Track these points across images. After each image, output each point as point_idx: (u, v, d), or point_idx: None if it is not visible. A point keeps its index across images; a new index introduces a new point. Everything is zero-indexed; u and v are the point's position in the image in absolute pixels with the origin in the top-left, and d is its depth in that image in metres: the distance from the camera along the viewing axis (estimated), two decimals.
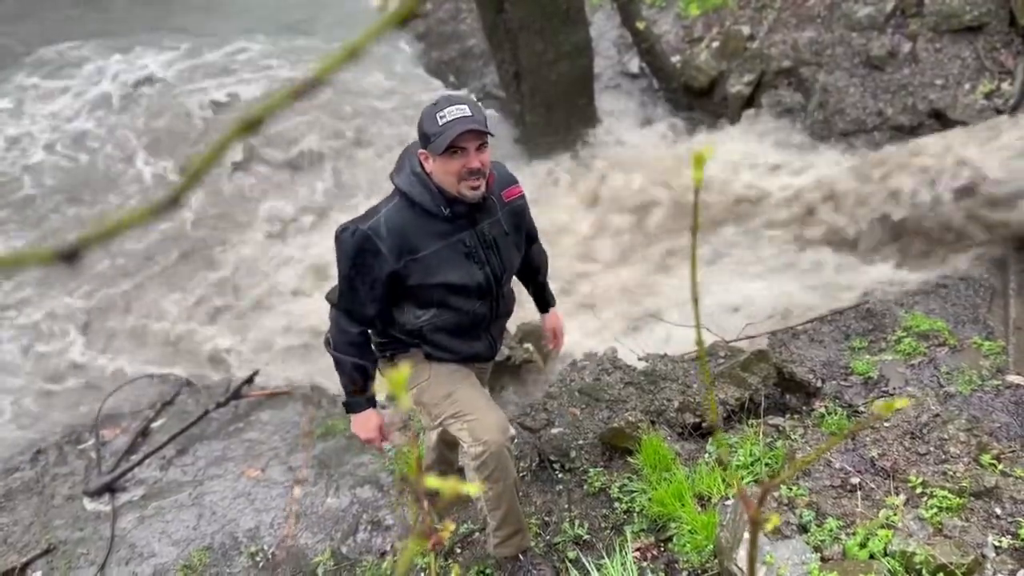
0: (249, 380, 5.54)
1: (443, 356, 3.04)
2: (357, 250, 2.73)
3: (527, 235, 3.19)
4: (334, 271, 2.85)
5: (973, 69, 6.66)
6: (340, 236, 2.79)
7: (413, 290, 2.83)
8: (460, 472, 3.94)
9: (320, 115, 8.81)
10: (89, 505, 4.67)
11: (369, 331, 2.94)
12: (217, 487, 4.62)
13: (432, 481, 0.52)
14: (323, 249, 6.97)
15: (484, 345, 3.15)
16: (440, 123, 2.61)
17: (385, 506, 4.24)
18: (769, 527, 2.28)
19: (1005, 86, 6.47)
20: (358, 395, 2.96)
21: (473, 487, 0.54)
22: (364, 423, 2.99)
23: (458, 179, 2.68)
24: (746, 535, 2.77)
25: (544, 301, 3.48)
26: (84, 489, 4.76)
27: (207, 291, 7.05)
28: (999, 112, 6.35)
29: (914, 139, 6.43)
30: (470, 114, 2.62)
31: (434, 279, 2.80)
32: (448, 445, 3.70)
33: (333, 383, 5.84)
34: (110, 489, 4.70)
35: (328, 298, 2.95)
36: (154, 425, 5.33)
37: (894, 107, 6.88)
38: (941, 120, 6.65)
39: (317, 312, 6.54)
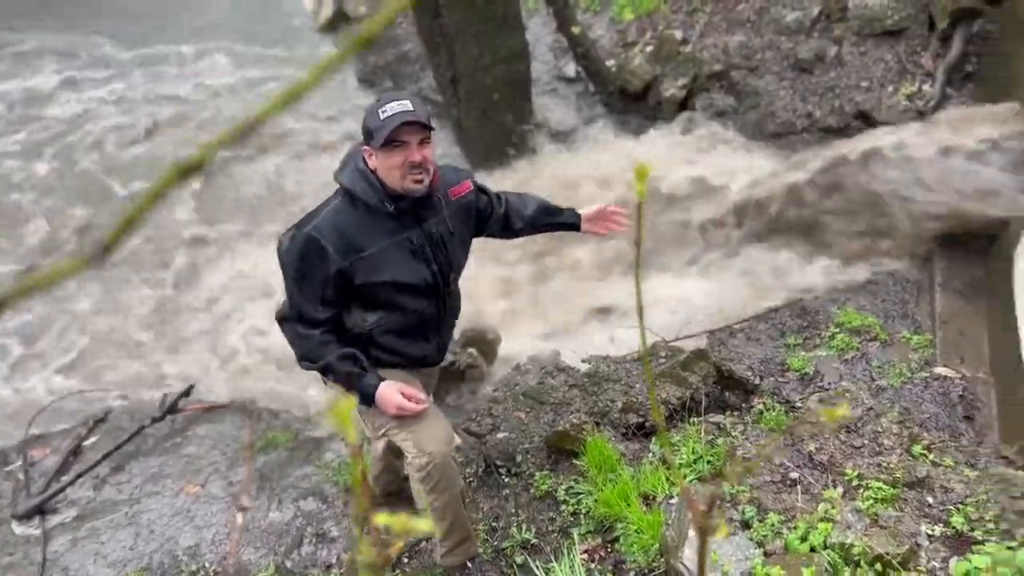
0: (186, 393, 5.39)
1: (392, 360, 3.01)
2: (303, 254, 2.69)
3: (496, 201, 3.17)
4: (271, 280, 2.79)
5: (896, 71, 6.90)
6: (283, 244, 2.74)
7: (360, 290, 2.79)
8: (406, 480, 3.91)
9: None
10: (18, 529, 4.48)
11: (329, 327, 2.86)
12: (155, 505, 4.49)
13: (382, 518, 0.51)
14: (255, 259, 6.84)
15: (433, 347, 3.13)
16: (382, 117, 2.61)
17: (330, 518, 4.18)
18: (720, 535, 2.32)
19: (926, 88, 6.72)
20: (365, 379, 2.83)
21: (426, 523, 0.54)
22: (388, 398, 2.82)
23: (401, 174, 2.68)
24: (691, 533, 2.81)
25: (572, 218, 3.37)
26: (12, 513, 4.57)
27: (141, 304, 6.86)
28: (921, 113, 6.59)
29: (841, 140, 6.62)
30: (411, 108, 2.63)
31: (380, 277, 2.78)
32: (395, 453, 3.66)
33: (273, 395, 5.75)
34: (40, 511, 4.52)
35: (278, 315, 2.87)
36: (86, 443, 5.15)
37: (822, 109, 7.08)
38: (867, 121, 6.86)
39: (255, 323, 6.41)
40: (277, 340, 3.64)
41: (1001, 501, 2.74)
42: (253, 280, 6.81)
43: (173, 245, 7.45)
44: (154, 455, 4.95)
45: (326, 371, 2.86)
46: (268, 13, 10.83)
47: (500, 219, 3.22)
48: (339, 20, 10.41)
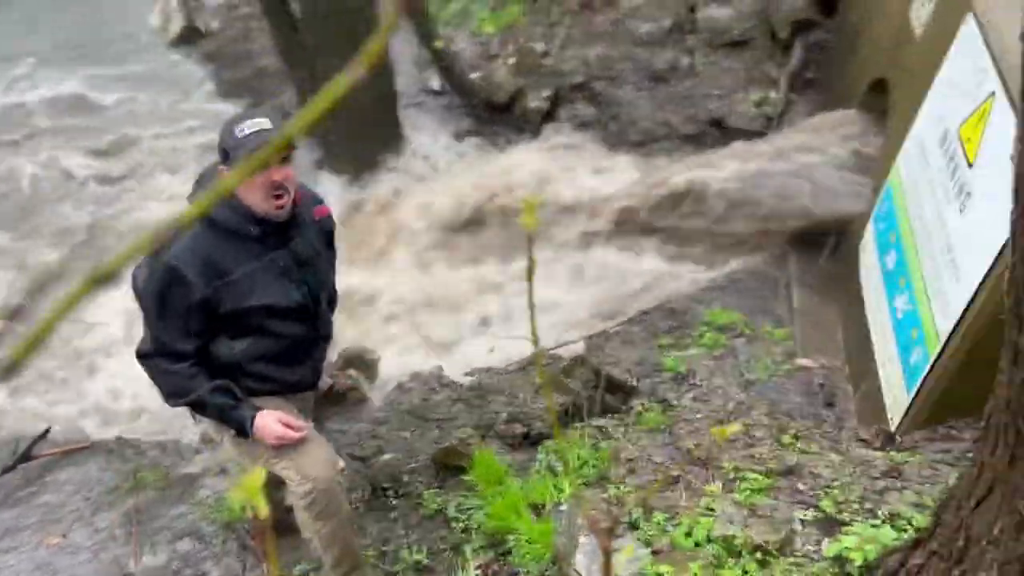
0: (42, 437, 5.01)
1: (264, 388, 2.89)
2: (163, 285, 2.55)
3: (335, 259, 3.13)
4: (124, 311, 2.65)
5: (744, 80, 7.30)
6: (138, 276, 2.60)
7: (227, 317, 2.67)
8: (288, 511, 3.78)
9: (108, 142, 8.19)
10: None
11: (196, 360, 2.71)
12: (12, 561, 4.14)
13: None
14: (111, 289, 6.44)
15: (307, 371, 3.04)
16: (239, 136, 2.51)
17: (209, 558, 3.98)
18: (624, 557, 2.36)
19: (772, 95, 7.14)
20: (239, 411, 2.70)
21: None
22: (266, 429, 2.70)
23: (263, 195, 2.59)
24: (582, 539, 2.84)
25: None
26: None
27: None
28: (769, 119, 7.00)
29: (700, 147, 6.94)
30: (270, 126, 2.54)
31: (249, 302, 2.67)
32: (274, 484, 3.53)
33: (139, 430, 5.42)
34: None
35: (139, 352, 2.70)
36: None
37: (679, 117, 7.40)
38: (721, 128, 7.22)
39: (118, 358, 6.04)
40: (139, 373, 3.45)
41: (863, 482, 2.93)
42: (107, 310, 6.43)
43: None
44: (7, 507, 4.57)
45: (197, 406, 2.73)
46: (112, 31, 10.26)
47: None
48: (189, 34, 10.01)
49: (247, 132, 2.50)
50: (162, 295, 2.57)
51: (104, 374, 5.96)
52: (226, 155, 2.55)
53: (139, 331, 2.76)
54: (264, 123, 2.54)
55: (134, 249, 0.46)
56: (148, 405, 5.59)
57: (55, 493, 4.68)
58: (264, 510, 0.52)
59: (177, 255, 2.55)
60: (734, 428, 0.66)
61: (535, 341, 0.63)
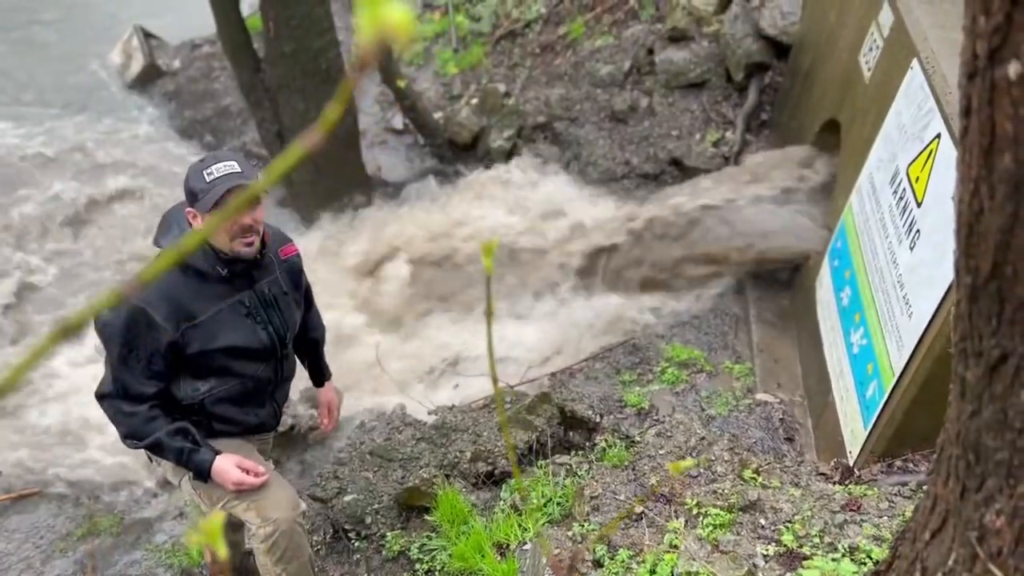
0: None
1: (225, 429, 2.87)
2: (128, 325, 2.51)
3: (305, 298, 3.12)
4: (84, 353, 2.60)
5: (701, 120, 7.46)
6: (103, 317, 2.55)
7: (193, 359, 2.65)
8: (248, 555, 3.70)
9: (65, 182, 8.07)
10: None
11: (157, 402, 2.67)
12: None
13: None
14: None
15: (269, 412, 3.02)
16: (208, 179, 2.50)
17: None
18: None
19: (728, 134, 7.31)
20: (198, 455, 2.66)
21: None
22: (224, 472, 2.68)
23: (231, 237, 2.58)
24: None
25: (320, 373, 3.39)
26: None
27: None
28: (726, 158, 7.15)
29: (659, 186, 7.07)
30: (239, 170, 2.54)
31: (215, 344, 2.65)
32: (233, 527, 3.47)
33: (93, 475, 5.28)
34: None
35: (99, 392, 2.66)
36: None
37: (639, 156, 7.53)
38: (680, 167, 7.36)
39: (70, 400, 5.89)
40: (95, 414, 3.37)
41: (823, 516, 2.96)
42: (63, 351, 6.28)
43: None
44: None
45: (155, 448, 2.68)
46: (70, 73, 10.18)
47: (302, 318, 3.14)
48: (150, 74, 9.97)
49: (216, 176, 2.49)
50: (128, 337, 2.53)
51: (57, 416, 5.80)
52: (194, 197, 2.53)
53: (93, 372, 2.72)
54: (234, 166, 2.53)
55: (102, 303, 0.47)
56: (103, 448, 5.46)
57: (4, 541, 4.54)
58: (223, 552, 0.52)
59: (145, 298, 2.52)
60: (689, 464, 0.67)
61: (494, 380, 0.65)
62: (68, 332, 0.44)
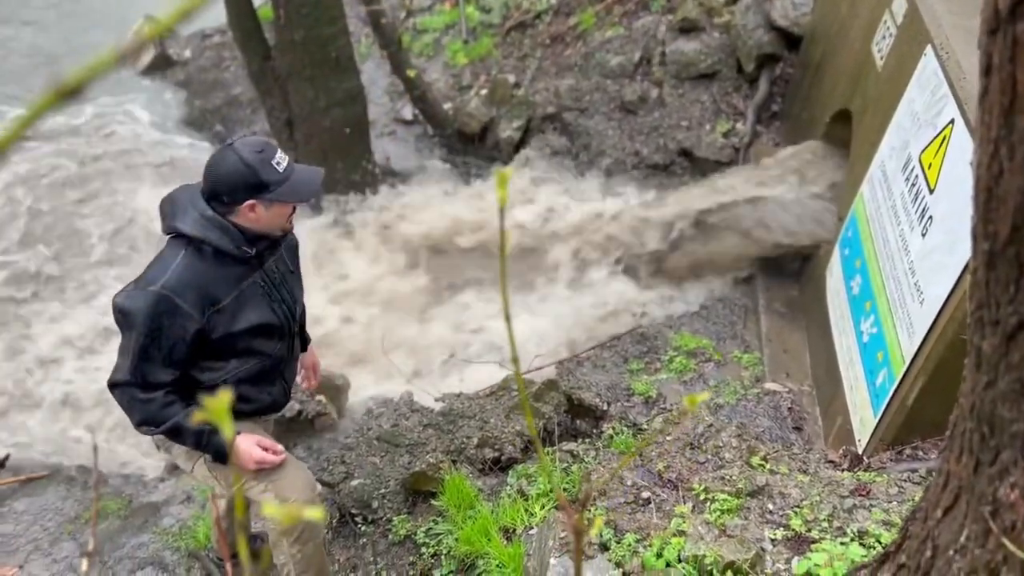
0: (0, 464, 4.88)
1: (241, 409, 2.86)
2: (154, 314, 2.47)
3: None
4: (92, 340, 2.57)
5: (712, 111, 7.43)
6: (127, 305, 2.51)
7: (218, 342, 2.63)
8: (255, 539, 3.71)
9: (72, 169, 8.10)
10: None
11: (172, 388, 2.65)
12: None
13: (270, 509, 0.48)
14: (81, 316, 6.34)
15: (280, 390, 3.02)
16: (281, 171, 2.55)
17: None
18: (594, 532, 2.34)
19: (739, 126, 7.27)
20: (218, 436, 2.64)
21: (318, 512, 0.50)
22: (246, 451, 2.68)
23: (286, 220, 2.70)
24: (552, 560, 2.82)
25: (304, 340, 3.40)
26: None
27: None
28: (736, 149, 7.12)
29: (668, 177, 7.05)
30: (311, 166, 2.68)
31: (239, 325, 2.65)
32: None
33: (102, 459, 5.29)
34: None
35: (112, 381, 2.62)
36: None
37: (648, 147, 7.50)
38: (689, 158, 7.33)
39: (76, 385, 5.92)
40: (106, 399, 3.38)
41: (832, 501, 2.94)
42: (72, 331, 6.31)
43: None
44: None
45: (172, 433, 2.65)
46: (83, 55, 10.20)
47: None
48: (161, 63, 9.99)
49: (289, 168, 2.57)
50: (152, 326, 2.48)
51: (66, 399, 5.83)
52: (265, 188, 2.53)
53: (96, 359, 2.70)
54: (283, 154, 2.61)
55: (99, 64, 0.45)
56: (112, 432, 5.48)
57: (12, 523, 4.55)
58: (230, 431, 0.51)
59: (170, 285, 2.49)
60: (705, 396, 0.66)
61: (512, 341, 0.63)
62: (65, 92, 0.43)
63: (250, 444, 2.70)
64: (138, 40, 0.48)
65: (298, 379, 3.44)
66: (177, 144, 8.90)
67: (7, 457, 4.99)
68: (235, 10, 6.84)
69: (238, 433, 2.70)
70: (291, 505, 2.83)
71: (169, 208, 2.65)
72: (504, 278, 0.74)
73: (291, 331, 2.90)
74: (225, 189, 2.54)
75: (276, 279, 2.79)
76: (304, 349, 3.42)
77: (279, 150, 2.60)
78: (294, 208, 2.70)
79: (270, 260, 2.78)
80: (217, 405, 0.50)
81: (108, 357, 2.65)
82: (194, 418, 2.59)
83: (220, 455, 2.69)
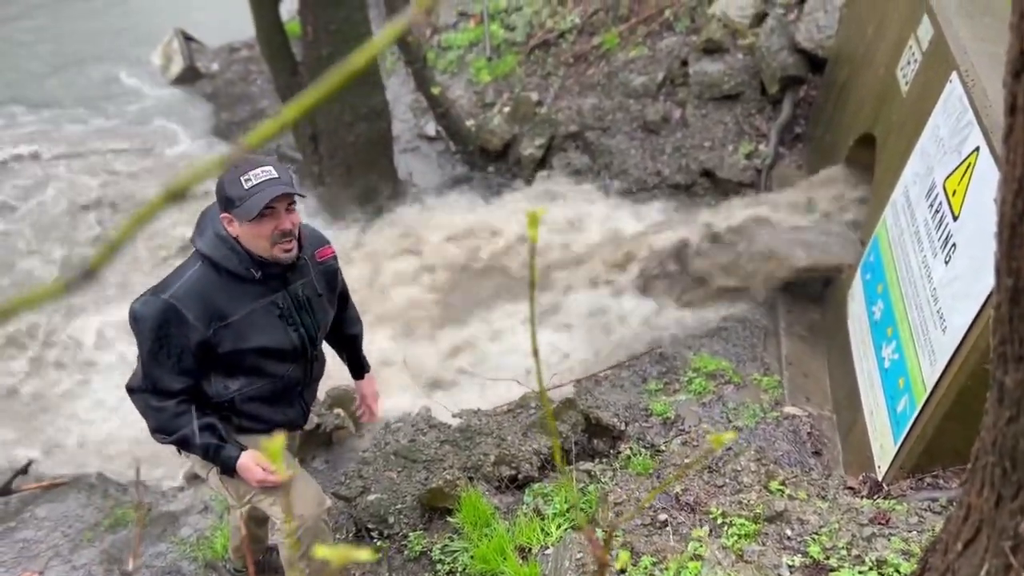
0: (22, 471, 4.94)
1: (254, 427, 2.88)
2: (160, 322, 2.53)
3: (341, 296, 3.14)
4: (112, 347, 2.62)
5: (734, 132, 7.43)
6: (137, 310, 2.57)
7: (225, 358, 2.66)
8: (271, 551, 3.73)
9: (105, 179, 8.23)
10: None
11: (186, 397, 2.70)
12: None
13: (322, 551, 0.50)
14: (104, 323, 6.43)
15: (297, 412, 3.03)
16: (246, 186, 2.49)
17: None
18: (619, 564, 2.34)
19: (762, 147, 7.27)
20: (225, 451, 2.68)
21: (368, 553, 0.52)
22: (248, 471, 2.70)
23: (271, 242, 2.59)
24: None
25: (359, 367, 3.41)
26: None
27: None
28: (758, 171, 7.11)
29: (690, 197, 7.05)
30: (277, 176, 2.54)
31: (247, 344, 2.66)
32: (257, 522, 3.49)
33: (119, 469, 5.35)
34: None
35: (130, 385, 2.68)
36: None
37: (670, 167, 7.51)
38: (711, 179, 7.33)
39: (97, 394, 5.99)
40: (127, 408, 3.42)
41: (851, 529, 2.92)
42: (96, 343, 6.39)
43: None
44: None
45: (182, 443, 2.70)
46: (111, 73, 10.39)
47: (339, 315, 3.17)
48: (189, 75, 10.16)
49: (255, 182, 2.49)
50: (159, 333, 2.54)
51: (89, 406, 5.90)
52: (231, 203, 2.51)
53: (119, 369, 2.75)
54: (271, 171, 2.53)
55: (206, 170, 0.48)
56: (134, 442, 5.54)
57: (34, 529, 4.60)
58: (284, 471, 0.53)
59: (177, 295, 2.53)
60: (731, 436, 0.67)
61: (536, 352, 0.65)
62: (173, 196, 0.45)
63: (252, 462, 2.72)
64: (241, 147, 0.51)
65: (355, 408, 3.48)
66: (202, 157, 9.02)
67: (30, 463, 5.06)
68: (263, 25, 6.96)
69: (244, 449, 2.73)
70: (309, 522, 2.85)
71: (199, 221, 2.71)
72: (533, 315, 0.76)
73: (309, 355, 2.90)
74: (217, 200, 2.60)
75: (300, 302, 2.80)
76: (360, 376, 3.42)
77: (262, 168, 2.52)
78: (287, 235, 2.60)
79: (296, 283, 2.78)
80: (272, 446, 0.52)
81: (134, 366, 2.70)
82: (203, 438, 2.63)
83: (226, 469, 2.73)
